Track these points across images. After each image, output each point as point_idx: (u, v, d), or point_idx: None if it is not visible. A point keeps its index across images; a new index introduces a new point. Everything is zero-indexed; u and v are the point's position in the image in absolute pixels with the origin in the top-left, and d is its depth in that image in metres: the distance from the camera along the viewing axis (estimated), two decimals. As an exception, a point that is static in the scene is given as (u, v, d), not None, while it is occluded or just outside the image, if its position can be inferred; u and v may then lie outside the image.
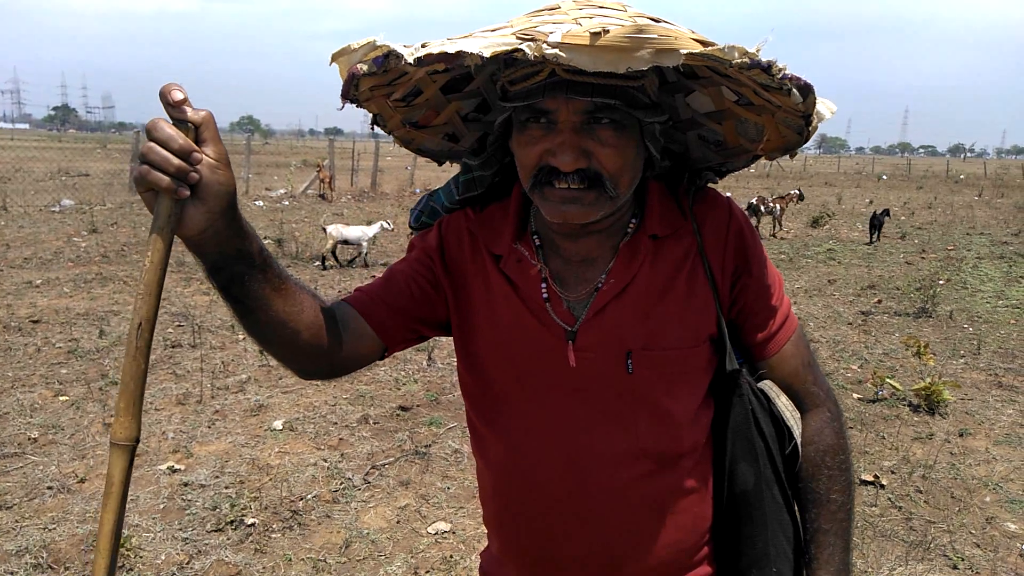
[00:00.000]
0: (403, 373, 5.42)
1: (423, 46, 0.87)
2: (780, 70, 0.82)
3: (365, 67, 0.90)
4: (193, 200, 0.84)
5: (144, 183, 0.81)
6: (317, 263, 9.50)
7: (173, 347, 5.81)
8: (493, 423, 1.15)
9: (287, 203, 16.74)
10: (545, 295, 1.09)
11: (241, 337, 6.07)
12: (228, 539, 3.18)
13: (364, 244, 9.59)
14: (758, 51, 0.79)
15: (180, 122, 0.82)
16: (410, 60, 0.86)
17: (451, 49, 0.83)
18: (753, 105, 1.01)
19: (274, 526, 3.30)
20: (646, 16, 0.88)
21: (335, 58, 0.95)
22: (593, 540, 1.10)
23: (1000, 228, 15.64)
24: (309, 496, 3.56)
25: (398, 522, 3.39)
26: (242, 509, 3.40)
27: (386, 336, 1.13)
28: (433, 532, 3.31)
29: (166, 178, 0.80)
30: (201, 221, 0.85)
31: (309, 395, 4.88)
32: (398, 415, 4.64)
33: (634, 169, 1.02)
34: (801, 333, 1.17)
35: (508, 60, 0.95)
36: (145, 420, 4.20)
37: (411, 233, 1.27)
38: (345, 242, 9.48)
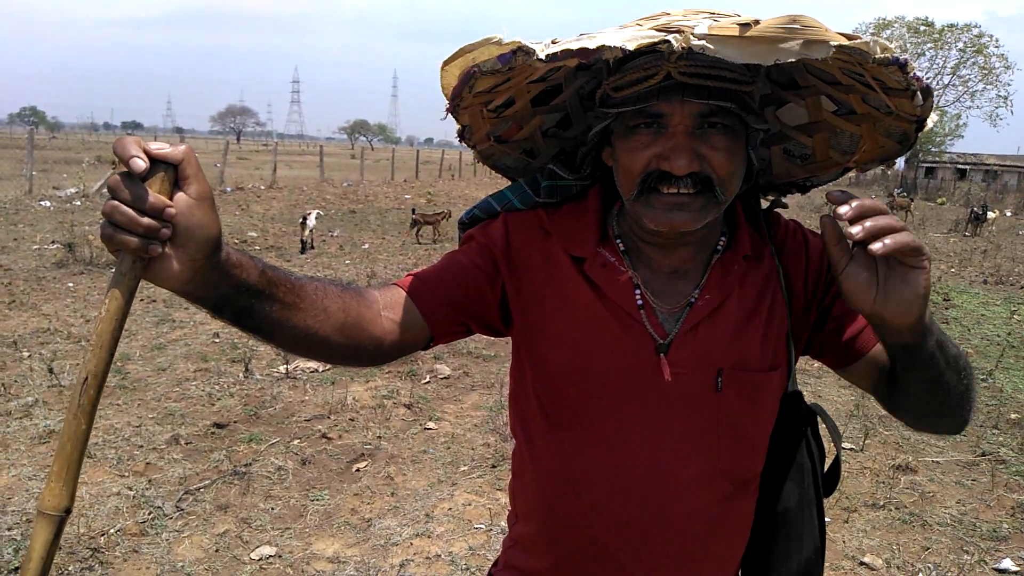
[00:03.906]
0: (217, 387, 5.06)
1: (554, 42, 0.85)
2: (912, 68, 0.84)
3: (489, 65, 0.88)
4: (173, 248, 0.76)
5: (111, 245, 0.75)
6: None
7: (-61, 369, 5.08)
8: (564, 431, 1.09)
9: (79, 203, 15.22)
10: (639, 302, 1.06)
11: (26, 354, 5.42)
12: (12, 588, 2.80)
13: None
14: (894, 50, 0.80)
15: (155, 163, 0.75)
16: (541, 56, 0.84)
17: (591, 44, 0.81)
18: (854, 115, 1.01)
19: (70, 568, 2.94)
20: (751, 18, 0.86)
21: (448, 62, 0.95)
22: (655, 561, 1.08)
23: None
24: (112, 530, 3.21)
25: (217, 550, 3.14)
26: (29, 552, 2.99)
27: (435, 326, 1.09)
28: (257, 558, 3.09)
29: (134, 239, 0.74)
30: (185, 272, 0.78)
31: (109, 416, 4.42)
32: (213, 433, 4.32)
33: (740, 176, 1.01)
34: None
35: (613, 66, 0.97)
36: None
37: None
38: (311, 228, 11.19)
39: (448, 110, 1.02)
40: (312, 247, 11.35)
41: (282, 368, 5.45)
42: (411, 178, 31.22)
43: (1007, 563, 3.32)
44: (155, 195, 0.75)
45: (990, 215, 19.50)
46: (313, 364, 5.58)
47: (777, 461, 1.14)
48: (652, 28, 0.84)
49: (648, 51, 0.86)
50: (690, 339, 1.04)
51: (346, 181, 26.39)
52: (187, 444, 4.15)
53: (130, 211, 0.73)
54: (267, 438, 4.29)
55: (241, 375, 5.31)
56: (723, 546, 1.12)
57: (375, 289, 1.07)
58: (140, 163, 0.73)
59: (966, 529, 3.64)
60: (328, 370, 5.53)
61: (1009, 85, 43.73)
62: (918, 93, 0.89)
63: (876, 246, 0.79)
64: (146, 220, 0.74)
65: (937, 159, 53.57)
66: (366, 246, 11.82)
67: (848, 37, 0.80)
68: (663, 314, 1.06)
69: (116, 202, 0.73)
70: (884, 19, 44.91)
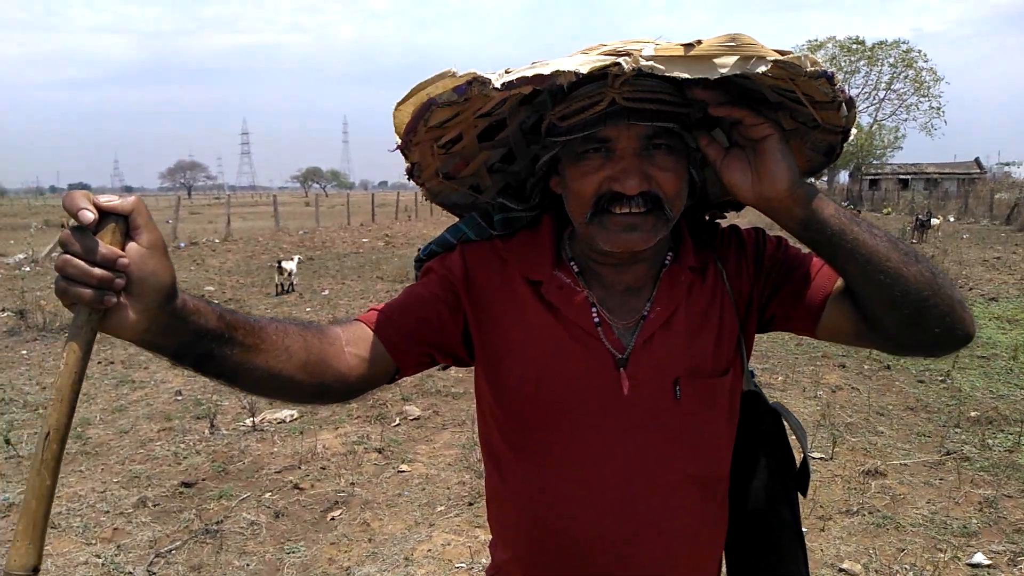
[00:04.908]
0: (183, 445, 4.95)
1: (507, 72, 0.89)
2: (838, 81, 0.89)
3: (445, 97, 0.91)
4: (129, 297, 0.78)
5: (66, 298, 0.76)
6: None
7: None
8: (530, 452, 1.11)
9: (28, 269, 14.89)
10: (596, 320, 1.10)
11: (-20, 427, 5.25)
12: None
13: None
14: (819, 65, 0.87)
15: (105, 215, 0.76)
16: (497, 84, 0.88)
17: (545, 71, 0.86)
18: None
19: (39, 644, 2.83)
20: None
21: (401, 104, 0.98)
22: (635, 571, 1.10)
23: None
24: (81, 601, 3.11)
25: (192, 613, 3.05)
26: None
27: (400, 358, 1.11)
28: (234, 617, 3.02)
29: (89, 292, 0.75)
30: (142, 321, 0.80)
31: (72, 483, 4.30)
32: (181, 493, 4.22)
33: (685, 194, 1.06)
34: None
35: (557, 97, 1.02)
36: None
37: (417, 264, 1.25)
38: (289, 273, 11.66)
39: (399, 147, 1.05)
40: (292, 290, 11.76)
41: (248, 421, 5.36)
42: (367, 221, 31.13)
43: (979, 557, 3.39)
44: (106, 246, 0.76)
45: (934, 222, 20.11)
46: (280, 415, 5.50)
47: (743, 462, 1.18)
48: (599, 54, 0.88)
49: (593, 79, 0.90)
50: (646, 351, 1.08)
51: (302, 229, 26.24)
52: (155, 506, 4.05)
53: (82, 263, 0.74)
54: (237, 493, 4.20)
55: (207, 431, 5.20)
56: (699, 550, 1.14)
57: (337, 325, 1.09)
58: (88, 215, 0.75)
59: (938, 528, 3.71)
60: (296, 420, 5.45)
61: (940, 96, 45.53)
62: (843, 104, 0.95)
63: (719, 112, 0.96)
64: (98, 271, 0.75)
65: (879, 171, 55.25)
66: (326, 292, 11.73)
67: (781, 53, 0.86)
68: (619, 329, 1.10)
69: (68, 255, 0.75)
70: (816, 40, 46.45)
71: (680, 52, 0.85)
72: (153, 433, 5.22)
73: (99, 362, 7.13)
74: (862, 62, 46.34)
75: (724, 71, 0.85)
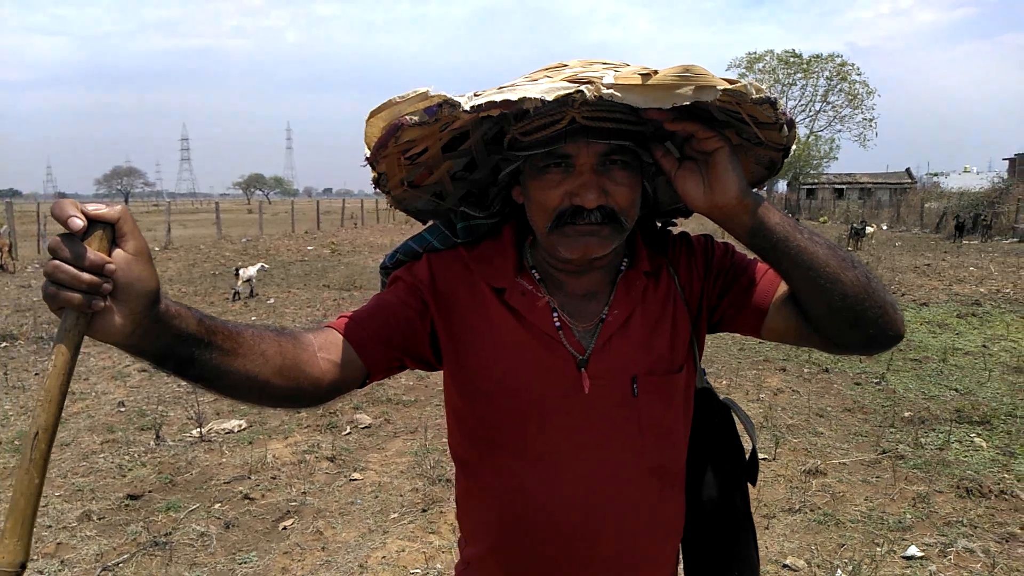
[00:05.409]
0: (127, 457, 4.85)
1: (476, 95, 0.93)
2: (781, 105, 0.96)
3: (416, 117, 0.96)
4: (115, 302, 0.80)
5: (55, 302, 0.78)
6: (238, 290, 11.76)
7: None
8: (499, 451, 1.16)
9: (-44, 278, 14.31)
10: (557, 324, 1.16)
11: (-90, 442, 5.05)
12: None
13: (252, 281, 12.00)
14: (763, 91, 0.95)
15: (92, 223, 0.79)
16: (466, 108, 0.92)
17: (513, 97, 0.90)
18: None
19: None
20: (650, 68, 0.96)
21: (374, 114, 1.00)
22: (604, 562, 1.16)
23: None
24: (24, 618, 3.02)
25: (142, 626, 3.00)
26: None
27: (370, 363, 1.14)
28: (186, 629, 2.98)
29: (78, 296, 0.78)
30: (127, 325, 0.82)
31: (9, 498, 4.16)
32: (127, 505, 4.14)
33: (639, 205, 1.14)
34: None
35: (521, 114, 1.05)
36: None
37: (383, 271, 1.30)
38: (247, 280, 11.79)
39: (368, 159, 1.09)
40: (252, 296, 11.92)
41: (195, 432, 5.27)
42: (312, 229, 30.78)
43: (913, 550, 3.55)
44: (95, 252, 0.79)
45: (868, 230, 20.86)
46: (228, 425, 5.42)
47: (697, 454, 1.25)
48: (562, 80, 0.94)
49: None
50: (605, 352, 1.15)
51: (245, 237, 25.82)
52: (100, 519, 3.96)
53: (72, 269, 0.77)
54: (186, 505, 4.14)
55: (152, 443, 5.10)
56: (660, 537, 1.21)
57: (308, 332, 1.12)
58: (78, 222, 0.78)
59: (875, 523, 3.87)
60: (244, 429, 5.39)
61: (873, 109, 47.14)
62: (784, 126, 1.03)
63: (674, 127, 1.02)
64: (87, 276, 0.78)
65: (816, 180, 56.89)
66: (271, 301, 11.58)
67: (730, 82, 0.93)
68: (580, 332, 1.17)
69: (58, 261, 0.77)
70: (755, 53, 47.67)
71: (638, 81, 0.91)
72: (96, 445, 5.09)
73: (36, 373, 6.92)
74: (799, 75, 47.77)
75: (678, 101, 0.91)
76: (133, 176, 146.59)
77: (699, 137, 1.02)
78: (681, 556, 1.31)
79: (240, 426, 5.45)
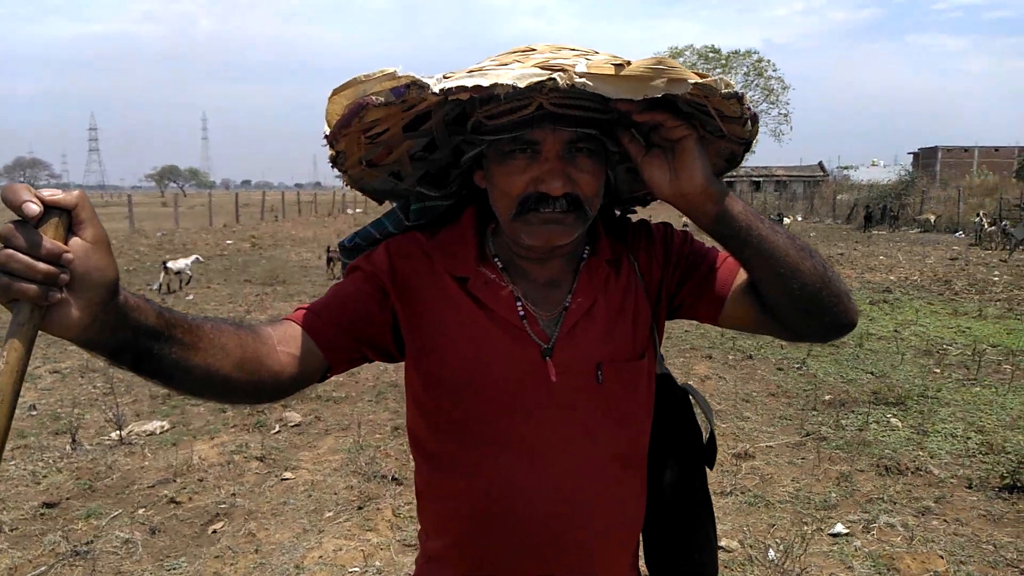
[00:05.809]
0: (41, 464, 4.60)
1: (445, 77, 0.91)
2: (747, 101, 0.96)
3: (383, 98, 0.93)
4: (72, 294, 0.75)
5: (8, 294, 0.73)
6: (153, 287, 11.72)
7: None
8: (464, 441, 1.15)
9: None
10: (522, 313, 1.14)
11: None
12: None
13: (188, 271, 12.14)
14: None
15: (48, 209, 0.73)
16: (435, 90, 0.90)
17: (484, 82, 0.88)
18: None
19: None
20: (621, 58, 0.94)
21: (338, 92, 0.98)
22: (572, 550, 1.14)
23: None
24: (-68, 638, 2.84)
25: (64, 641, 2.85)
26: None
27: (331, 355, 1.12)
28: (112, 641, 2.84)
29: (33, 287, 0.73)
30: (84, 318, 0.77)
31: (-87, 512, 3.90)
32: (43, 514, 3.92)
33: (601, 193, 1.12)
34: None
35: (487, 97, 1.00)
36: None
37: (339, 257, 1.27)
38: (178, 272, 11.86)
39: (327, 137, 1.05)
40: (181, 288, 11.84)
41: (114, 435, 5.04)
42: (231, 222, 29.89)
43: (839, 527, 3.69)
44: (51, 241, 0.74)
45: (786, 221, 21.62)
46: (149, 427, 5.22)
47: (658, 439, 1.26)
48: (533, 65, 0.91)
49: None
50: (570, 340, 1.14)
51: (160, 231, 24.92)
52: (12, 530, 3.74)
53: (26, 258, 0.72)
54: (107, 511, 3.95)
55: (68, 447, 4.85)
56: (626, 522, 1.22)
57: (267, 325, 1.09)
58: (34, 207, 0.72)
59: (802, 503, 4.00)
60: (167, 431, 5.19)
61: (788, 104, 48.78)
62: (748, 121, 1.04)
63: (642, 118, 1.01)
64: (43, 266, 0.72)
65: (735, 174, 58.45)
66: (191, 297, 11.19)
67: (700, 76, 0.93)
68: (544, 321, 1.15)
69: (11, 250, 0.72)
70: (677, 48, 48.63)
71: (611, 72, 0.89)
72: (6, 452, 4.80)
73: (-64, 378, 6.50)
74: (718, 70, 48.97)
75: (650, 93, 0.91)
76: (37, 167, 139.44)
77: (668, 126, 1.02)
78: (641, 542, 1.31)
79: (163, 427, 5.25)
